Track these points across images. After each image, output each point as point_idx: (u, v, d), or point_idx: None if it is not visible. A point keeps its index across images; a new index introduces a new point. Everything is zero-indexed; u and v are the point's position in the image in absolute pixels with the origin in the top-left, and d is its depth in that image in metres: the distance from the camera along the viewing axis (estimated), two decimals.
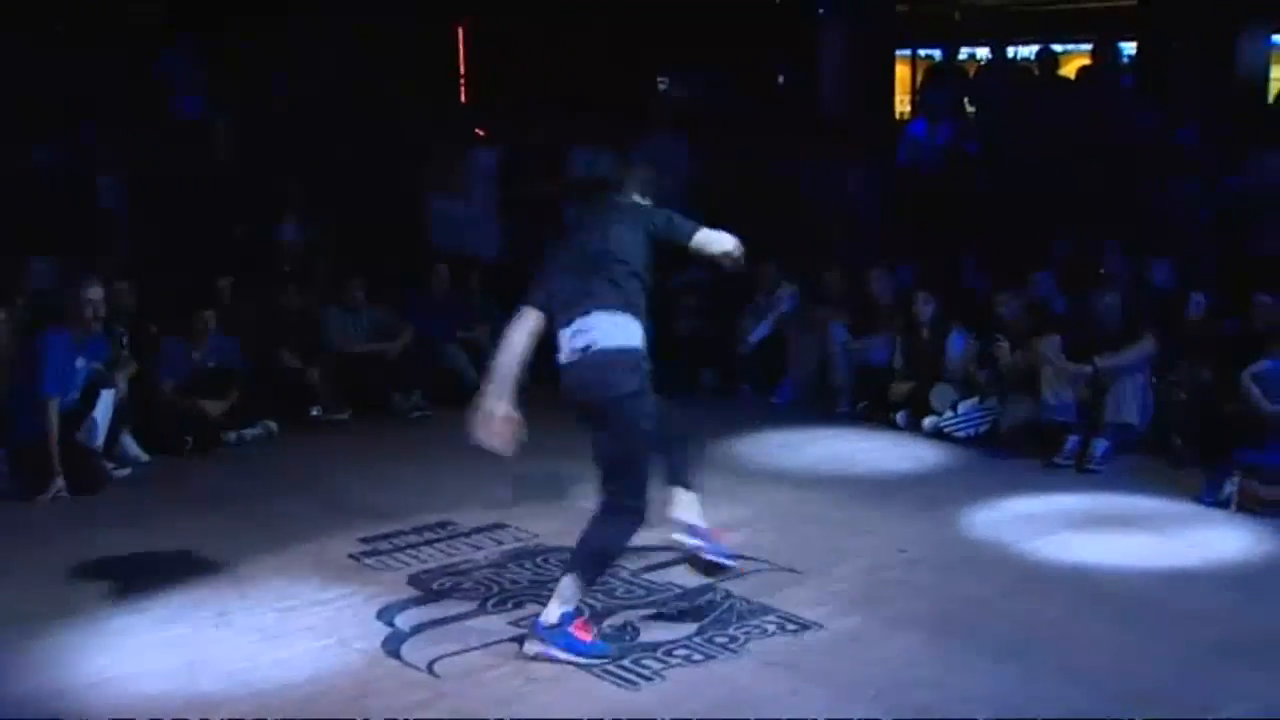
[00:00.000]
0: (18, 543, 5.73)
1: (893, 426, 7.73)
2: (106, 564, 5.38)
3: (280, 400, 7.96)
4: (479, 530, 5.80)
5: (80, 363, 6.58)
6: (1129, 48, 10.34)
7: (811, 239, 9.52)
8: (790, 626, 4.65)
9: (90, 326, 6.64)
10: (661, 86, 12.04)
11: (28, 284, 7.77)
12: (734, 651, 4.44)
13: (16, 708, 4.09)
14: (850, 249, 9.18)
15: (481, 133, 10.02)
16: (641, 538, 5.53)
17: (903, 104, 13.48)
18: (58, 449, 6.40)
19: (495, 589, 5.07)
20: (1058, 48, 10.13)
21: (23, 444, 6.46)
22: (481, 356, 8.79)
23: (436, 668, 4.31)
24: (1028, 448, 7.01)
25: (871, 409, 8.00)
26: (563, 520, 5.85)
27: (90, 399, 6.65)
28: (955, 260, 8.91)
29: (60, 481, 6.37)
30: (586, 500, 6.15)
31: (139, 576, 5.17)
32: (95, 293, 6.63)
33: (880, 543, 5.61)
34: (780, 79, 12.53)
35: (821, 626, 4.65)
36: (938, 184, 9.67)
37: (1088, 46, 10.11)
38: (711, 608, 4.84)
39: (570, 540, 5.54)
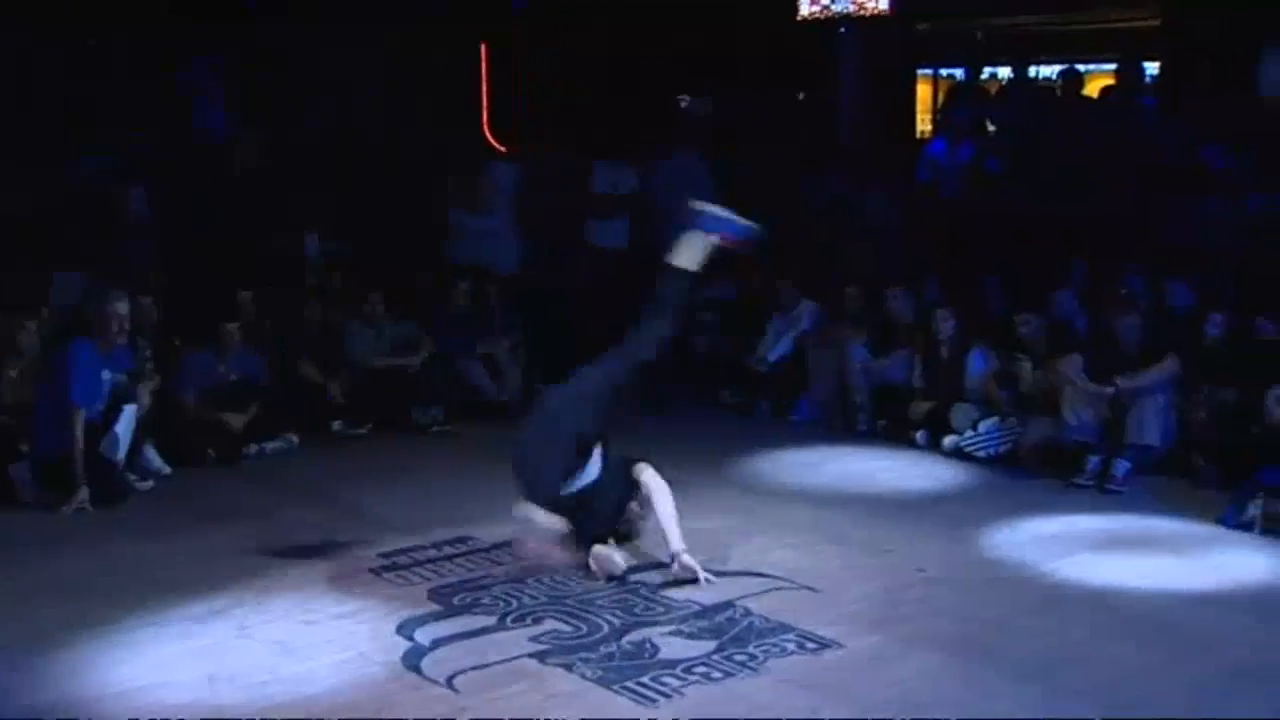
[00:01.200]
0: (44, 553, 5.77)
1: (912, 445, 7.71)
2: (129, 575, 5.41)
3: (301, 414, 8.00)
4: (498, 546, 5.80)
5: (105, 374, 6.64)
6: (1152, 67, 10.31)
7: (830, 257, 9.53)
8: (809, 645, 4.65)
9: (115, 339, 6.70)
10: (682, 104, 12.08)
11: (53, 297, 7.85)
12: (753, 670, 4.44)
13: (38, 717, 4.11)
14: (869, 267, 9.18)
15: (503, 149, 10.05)
16: (661, 554, 5.61)
17: (923, 123, 13.48)
18: (82, 460, 6.44)
19: (514, 604, 5.08)
20: (1081, 68, 10.11)
21: (47, 455, 6.51)
22: (500, 371, 8.86)
23: (456, 682, 4.32)
24: (1048, 468, 6.99)
25: (891, 427, 7.99)
26: None
27: (114, 411, 6.70)
28: (975, 279, 8.90)
29: (85, 493, 6.41)
30: None
31: (161, 588, 5.20)
32: (121, 306, 6.69)
33: (899, 562, 5.60)
34: (800, 96, 12.55)
35: (840, 645, 4.64)
36: (957, 203, 9.66)
37: (1111, 66, 10.10)
38: (731, 625, 4.84)
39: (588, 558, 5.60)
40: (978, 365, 7.70)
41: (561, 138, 10.00)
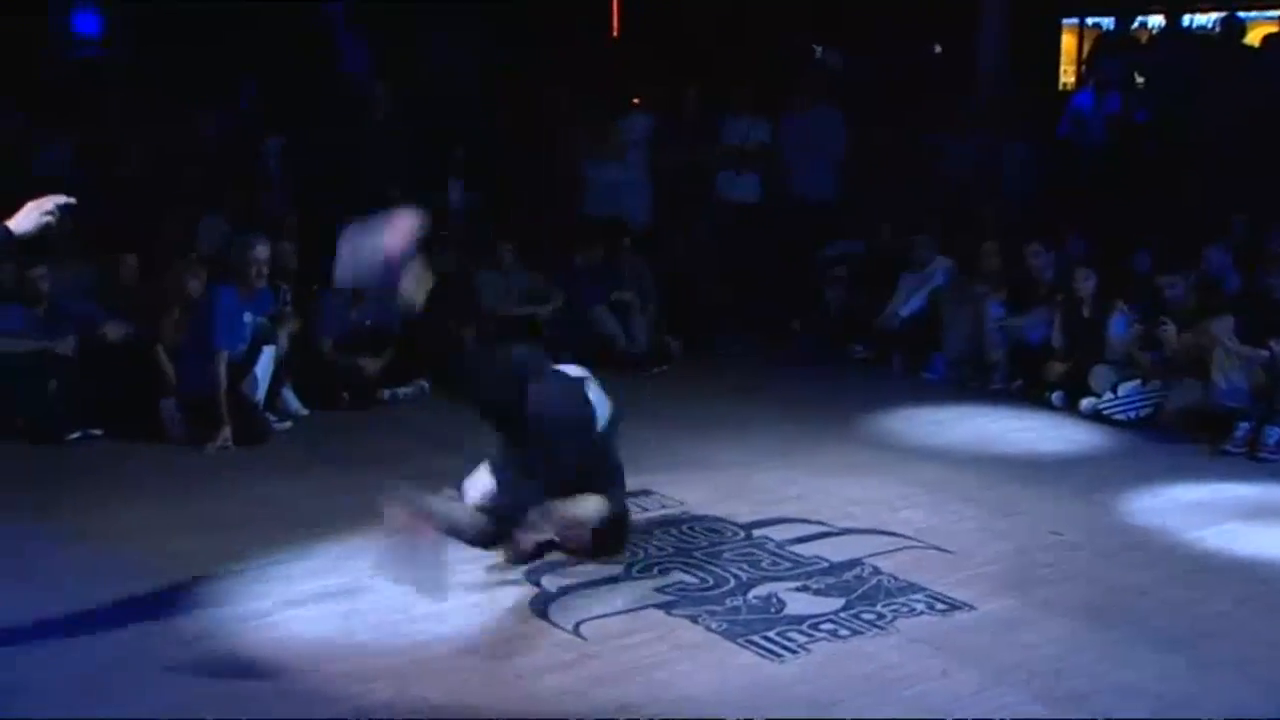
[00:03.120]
0: (189, 487, 5.98)
1: (1048, 407, 7.50)
2: (267, 512, 5.56)
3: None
4: (626, 495, 5.81)
5: (247, 317, 6.83)
6: None
7: (968, 212, 9.30)
8: (939, 606, 4.57)
9: (256, 283, 6.88)
10: (815, 55, 11.86)
11: (200, 241, 8.08)
12: (881, 629, 4.38)
13: (180, 641, 4.26)
14: (1008, 223, 8.94)
15: (637, 100, 9.99)
16: (789, 510, 5.58)
17: (1066, 75, 13.04)
18: (225, 400, 6.65)
19: (641, 555, 5.09)
20: (1243, 15, 9.66)
21: (193, 394, 6.74)
22: (631, 321, 8.88)
23: (583, 629, 4.35)
24: (1192, 433, 6.74)
25: (1026, 388, 7.80)
26: (709, 490, 5.87)
27: (255, 353, 6.89)
28: (1119, 236, 8.60)
29: (227, 431, 6.62)
30: (734, 471, 6.20)
31: (297, 526, 5.33)
32: (262, 251, 6.86)
33: (1033, 525, 5.46)
34: (937, 48, 12.23)
35: (972, 607, 4.55)
36: (1103, 157, 9.32)
37: (1275, 14, 9.62)
38: (859, 583, 4.78)
39: (716, 509, 5.59)
40: (1120, 326, 7.44)
41: (694, 89, 9.90)
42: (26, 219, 3.89)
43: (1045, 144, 9.75)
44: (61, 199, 3.94)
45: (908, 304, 8.71)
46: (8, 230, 3.88)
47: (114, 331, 7.02)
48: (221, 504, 5.70)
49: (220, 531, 5.27)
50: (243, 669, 4.08)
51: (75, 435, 6.70)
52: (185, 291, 7.07)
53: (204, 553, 5.01)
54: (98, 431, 6.79)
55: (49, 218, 3.90)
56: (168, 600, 4.59)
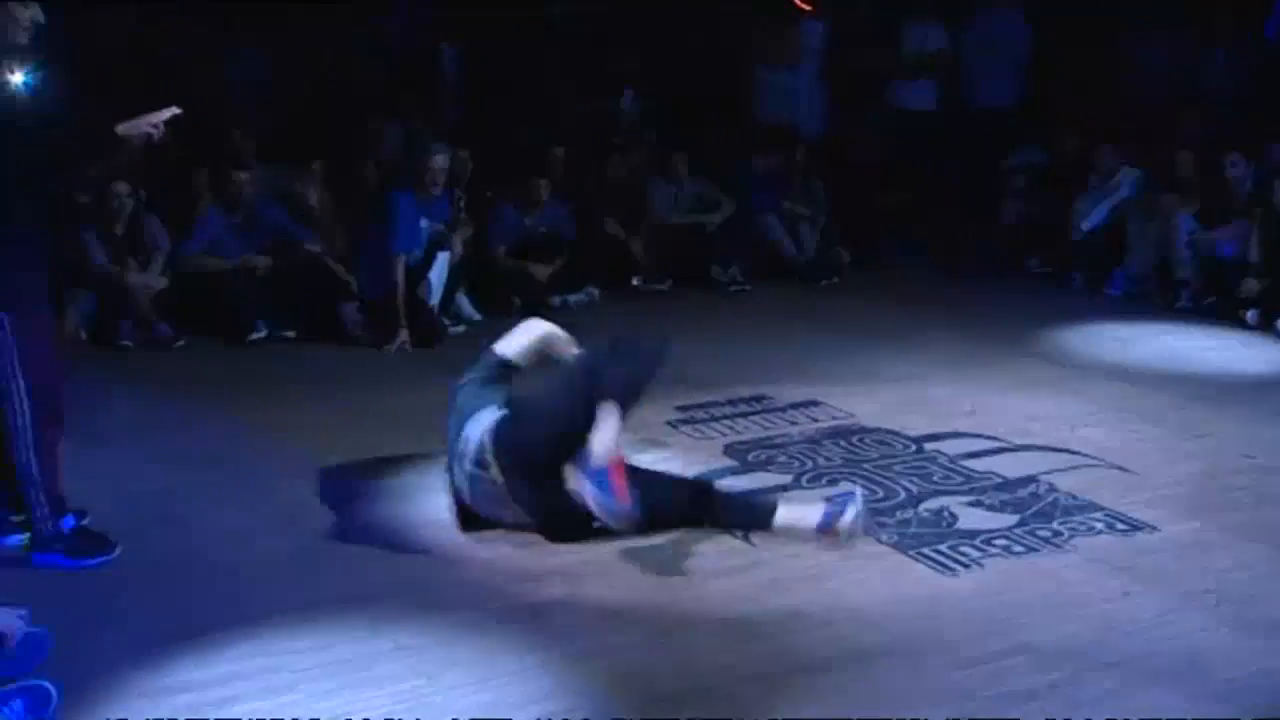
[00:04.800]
0: (370, 387, 6.19)
1: (1242, 325, 7.18)
2: (444, 412, 5.68)
3: (603, 268, 8.18)
4: (794, 406, 5.79)
5: (424, 223, 6.98)
6: None
7: (1160, 120, 8.83)
8: (1120, 526, 4.43)
9: (433, 190, 7.01)
10: None
11: (381, 147, 8.24)
12: (1058, 546, 4.27)
13: (363, 531, 4.43)
14: (1204, 132, 8.46)
15: (808, 6, 9.73)
16: (962, 424, 5.47)
17: None
18: (403, 304, 6.83)
19: (809, 465, 5.07)
20: None
21: (373, 297, 6.94)
22: (801, 230, 8.77)
23: (752, 536, 4.36)
24: None
25: (1218, 305, 7.45)
26: (878, 402, 5.80)
27: (431, 258, 7.04)
28: None
29: (405, 334, 6.81)
30: (904, 384, 6.11)
31: None
32: (440, 160, 6.98)
33: (1222, 447, 5.24)
34: None
35: (1155, 529, 4.40)
36: None
37: None
38: (1034, 500, 4.67)
39: (886, 422, 5.52)
40: None
41: None
42: (134, 126, 4.04)
43: (1249, 45, 9.15)
44: (169, 113, 4.06)
45: (1091, 216, 8.37)
46: (117, 135, 4.03)
47: (308, 245, 7.26)
48: (399, 402, 5.87)
49: (399, 429, 5.42)
50: (421, 560, 4.22)
51: (262, 335, 6.99)
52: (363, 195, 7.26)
53: (384, 448, 5.17)
54: (291, 333, 7.07)
55: (153, 130, 4.04)
56: (349, 492, 4.77)
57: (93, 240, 6.97)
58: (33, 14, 3.94)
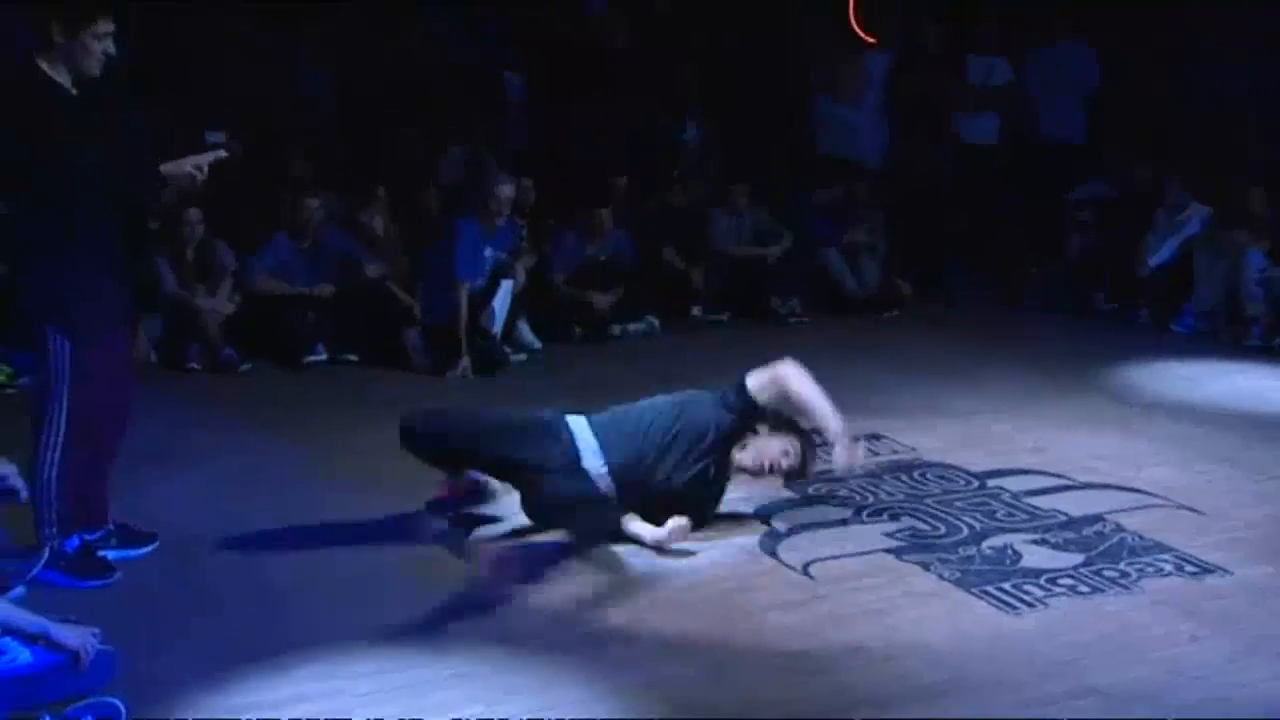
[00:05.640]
0: None
1: None
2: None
3: (663, 298, 8.20)
4: (855, 439, 5.73)
5: (487, 252, 7.04)
6: None
7: (1231, 153, 8.70)
8: (1189, 569, 4.35)
9: (498, 219, 7.07)
10: None
11: (442, 172, 8.32)
12: (1125, 588, 4.21)
13: (419, 556, 4.46)
14: (1277, 166, 8.32)
15: (872, 39, 9.71)
16: (1026, 461, 5.41)
17: None
18: (465, 331, 6.88)
19: (870, 499, 5.04)
20: None
21: (435, 324, 7.00)
22: (862, 263, 8.74)
23: (812, 570, 4.34)
24: None
25: None
26: (940, 437, 5.75)
27: (494, 286, 7.10)
28: None
29: (466, 361, 6.86)
30: (967, 419, 6.05)
31: None
32: (507, 189, 7.05)
33: None
34: None
35: (1227, 572, 4.32)
36: None
37: None
38: (1100, 540, 4.60)
39: (949, 457, 5.47)
40: None
41: (935, 26, 9.55)
42: (178, 166, 4.14)
43: None
44: (213, 156, 4.19)
45: (1159, 252, 8.27)
46: (160, 175, 4.12)
47: (373, 271, 7.35)
48: None
49: None
50: (481, 588, 4.24)
51: (321, 357, 7.07)
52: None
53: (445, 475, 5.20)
54: (353, 357, 7.16)
55: (197, 172, 4.13)
56: (406, 518, 4.79)
57: (164, 265, 7.11)
58: (105, 46, 4.03)
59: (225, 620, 3.95)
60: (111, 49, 4.06)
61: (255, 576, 4.28)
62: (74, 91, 4.03)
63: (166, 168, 4.15)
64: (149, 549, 4.40)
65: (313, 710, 3.41)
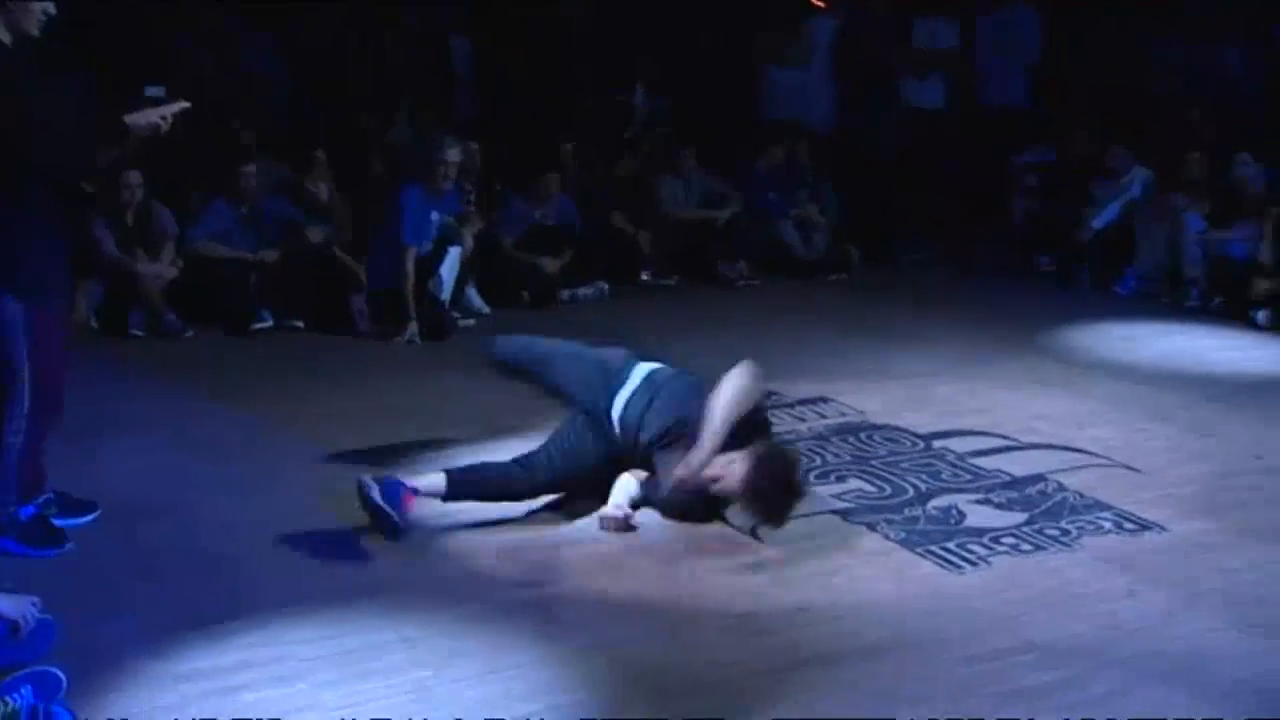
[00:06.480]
0: (381, 379, 6.20)
1: (1250, 325, 7.17)
2: (451, 405, 5.71)
3: (612, 262, 8.18)
4: (803, 402, 5.79)
5: (434, 216, 6.98)
6: None
7: (1171, 120, 8.82)
8: (1128, 525, 4.43)
9: (444, 183, 7.01)
10: None
11: (391, 136, 8.23)
12: (1066, 545, 4.27)
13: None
14: (1215, 132, 8.44)
15: (821, 4, 9.71)
16: (970, 422, 5.47)
17: None
18: (412, 296, 6.83)
19: (818, 461, 5.07)
20: None
21: (382, 289, 6.94)
22: (809, 229, 8.76)
23: (759, 532, 4.36)
24: None
25: (1227, 305, 7.44)
26: (887, 399, 5.80)
27: (441, 251, 7.05)
28: None
29: (414, 327, 6.81)
30: (913, 381, 6.10)
31: (480, 419, 5.45)
32: (453, 154, 6.99)
33: (1232, 448, 5.24)
34: None
35: (1163, 528, 4.40)
36: None
37: None
38: (1042, 499, 4.67)
39: (895, 419, 5.53)
40: None
41: None
42: (142, 116, 4.05)
43: (1263, 47, 9.12)
44: (178, 106, 4.08)
45: (1100, 215, 8.37)
46: (124, 125, 4.04)
47: (314, 235, 7.27)
48: (408, 395, 5.88)
49: (406, 421, 5.44)
50: (428, 552, 4.22)
51: (267, 324, 7.00)
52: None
53: (392, 439, 5.18)
54: (299, 324, 7.08)
55: (161, 122, 4.05)
56: (352, 484, 4.73)
57: (103, 229, 6.98)
58: (44, 6, 3.95)
59: (168, 587, 3.91)
60: (51, 9, 3.98)
61: (198, 544, 4.23)
62: (15, 50, 3.94)
63: (131, 118, 4.06)
64: (90, 517, 4.34)
65: (258, 676, 3.39)
